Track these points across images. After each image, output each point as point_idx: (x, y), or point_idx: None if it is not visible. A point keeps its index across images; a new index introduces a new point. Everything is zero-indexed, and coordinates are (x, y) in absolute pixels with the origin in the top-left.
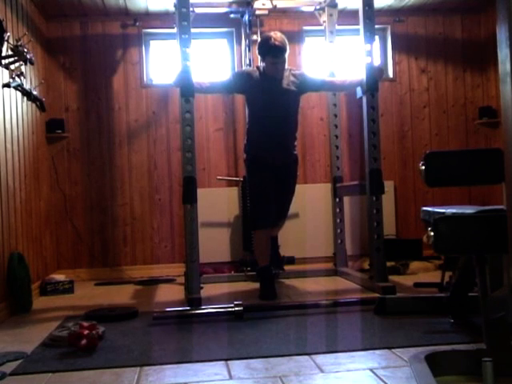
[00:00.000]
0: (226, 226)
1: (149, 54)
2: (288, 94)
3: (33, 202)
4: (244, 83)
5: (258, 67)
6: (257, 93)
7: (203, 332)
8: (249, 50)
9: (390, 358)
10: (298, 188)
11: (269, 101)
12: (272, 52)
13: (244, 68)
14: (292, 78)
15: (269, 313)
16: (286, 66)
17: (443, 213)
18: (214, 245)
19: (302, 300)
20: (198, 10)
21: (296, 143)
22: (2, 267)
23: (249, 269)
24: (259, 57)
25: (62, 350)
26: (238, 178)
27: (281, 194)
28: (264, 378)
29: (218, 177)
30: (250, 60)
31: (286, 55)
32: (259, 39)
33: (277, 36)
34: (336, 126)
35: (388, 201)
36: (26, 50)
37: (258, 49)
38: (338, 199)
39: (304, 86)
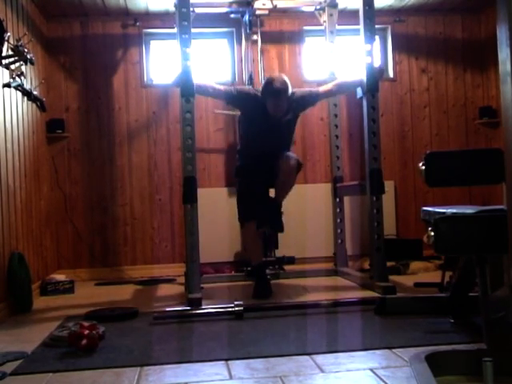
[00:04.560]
0: (226, 226)
1: (149, 53)
2: (286, 124)
3: (33, 202)
4: (245, 104)
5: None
6: (253, 114)
7: (203, 332)
8: (249, 51)
9: (391, 357)
10: (298, 188)
11: (265, 128)
12: (273, 94)
13: (248, 88)
14: (291, 106)
15: (269, 313)
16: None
17: (443, 213)
18: (214, 245)
19: (302, 300)
20: (198, 10)
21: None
22: (3, 267)
23: (249, 269)
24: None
25: (62, 350)
26: (234, 112)
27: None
28: (264, 378)
29: (216, 111)
30: (250, 56)
31: (287, 96)
32: (259, 42)
33: (279, 78)
34: (336, 126)
35: (388, 201)
36: (26, 50)
37: (262, 90)
38: (338, 199)
39: (302, 107)
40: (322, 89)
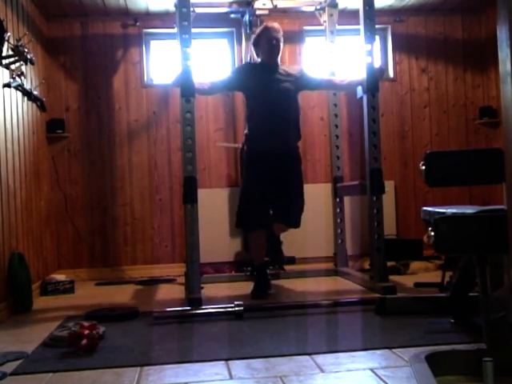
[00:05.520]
0: (227, 225)
1: (149, 53)
2: (285, 86)
3: (33, 202)
4: (242, 76)
5: (255, 62)
6: (254, 84)
7: (204, 332)
8: (249, 50)
9: (391, 357)
10: None
11: (266, 91)
12: (266, 32)
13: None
14: (290, 72)
15: (269, 313)
16: (287, 65)
17: (444, 213)
18: (215, 245)
19: (302, 300)
20: (198, 10)
21: (299, 144)
22: (3, 267)
23: (249, 269)
24: (254, 48)
25: (62, 350)
26: (237, 145)
27: (282, 195)
28: (264, 378)
29: (218, 143)
30: (250, 59)
31: (281, 41)
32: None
33: (271, 22)
34: (336, 126)
35: (388, 201)
36: (26, 50)
37: (254, 38)
38: (338, 199)
39: (302, 82)
40: (326, 77)
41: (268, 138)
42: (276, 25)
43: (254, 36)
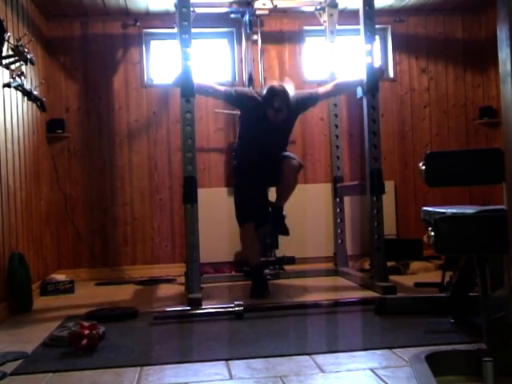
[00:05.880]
0: (227, 225)
1: (149, 53)
2: (284, 125)
3: (33, 202)
4: (244, 105)
5: (259, 102)
6: (253, 118)
7: (203, 332)
8: (249, 50)
9: (391, 357)
10: (299, 188)
11: (263, 129)
12: (274, 108)
13: (248, 90)
14: (290, 109)
15: (269, 313)
16: None
17: (444, 213)
18: (215, 245)
19: (302, 300)
20: (198, 10)
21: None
22: (3, 267)
23: (247, 269)
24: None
25: (62, 350)
26: (235, 112)
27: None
28: (264, 378)
29: (216, 110)
30: (250, 56)
31: (289, 107)
32: (259, 42)
33: (280, 92)
34: (336, 126)
35: (388, 201)
36: (26, 50)
37: (263, 99)
38: (338, 199)
39: (302, 109)
40: (321, 90)
41: (256, 155)
42: (284, 95)
43: (264, 94)
